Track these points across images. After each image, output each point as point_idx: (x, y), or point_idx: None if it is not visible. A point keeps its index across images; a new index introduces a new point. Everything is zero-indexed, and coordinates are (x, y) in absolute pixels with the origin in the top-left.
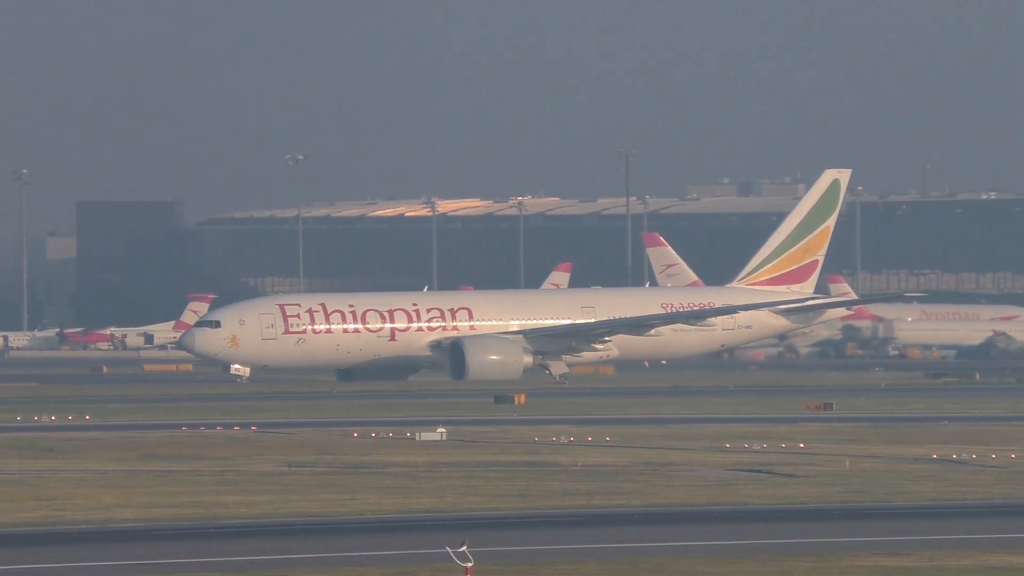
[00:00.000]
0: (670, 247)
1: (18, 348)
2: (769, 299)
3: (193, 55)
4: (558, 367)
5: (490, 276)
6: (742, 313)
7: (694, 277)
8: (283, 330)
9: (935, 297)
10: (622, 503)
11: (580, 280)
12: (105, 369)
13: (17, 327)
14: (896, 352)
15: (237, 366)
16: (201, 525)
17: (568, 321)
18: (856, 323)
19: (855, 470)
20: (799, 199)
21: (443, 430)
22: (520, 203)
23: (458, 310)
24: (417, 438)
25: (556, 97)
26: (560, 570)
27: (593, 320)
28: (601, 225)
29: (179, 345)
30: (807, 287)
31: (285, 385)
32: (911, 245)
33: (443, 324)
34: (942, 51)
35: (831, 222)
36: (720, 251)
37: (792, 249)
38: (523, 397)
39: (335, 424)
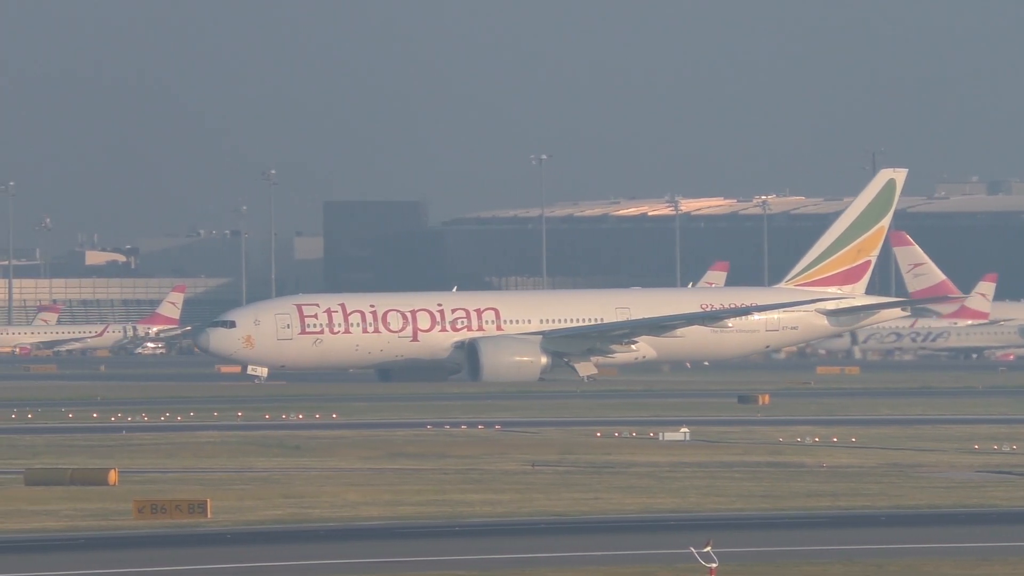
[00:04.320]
0: (917, 246)
1: None
2: (815, 300)
3: (439, 56)
4: (585, 368)
5: (733, 275)
6: (788, 314)
7: (942, 276)
8: (299, 330)
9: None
10: (868, 504)
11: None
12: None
13: None
14: None
15: (254, 367)
16: (446, 524)
17: (598, 322)
18: None
19: None
20: None
21: (686, 430)
22: (764, 202)
23: (484, 310)
24: (660, 438)
25: (801, 95)
26: (805, 571)
27: (626, 320)
28: None
29: (195, 344)
30: (858, 288)
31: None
32: None
33: (468, 325)
34: None
35: (885, 222)
36: (969, 250)
37: (844, 249)
38: (767, 397)
39: (578, 423)
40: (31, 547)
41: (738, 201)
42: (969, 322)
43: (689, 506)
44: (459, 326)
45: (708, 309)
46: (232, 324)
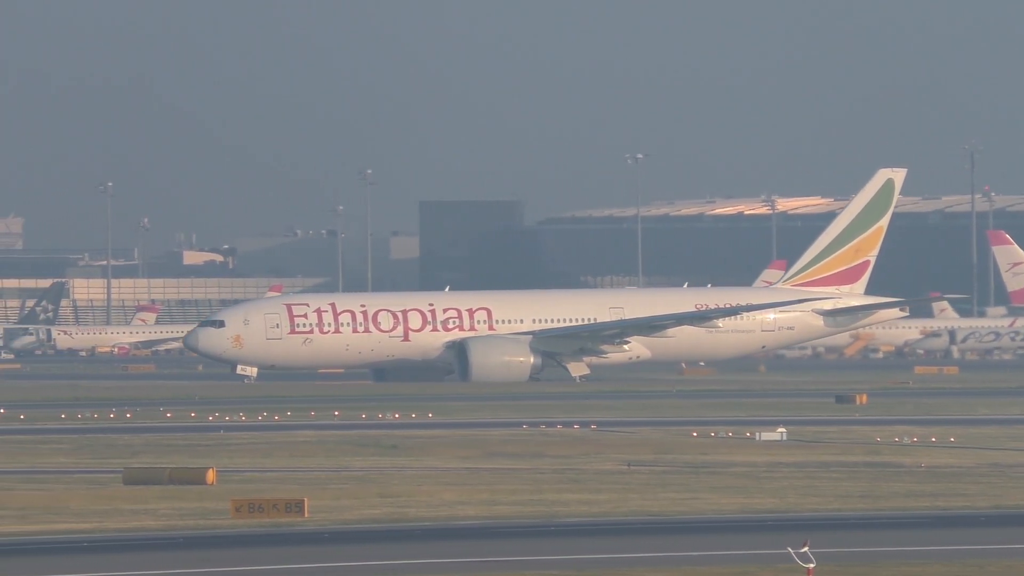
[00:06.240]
0: (1016, 245)
1: None
2: (807, 300)
3: (536, 55)
4: (577, 368)
5: None
6: (784, 314)
7: None
8: (289, 330)
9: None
10: (967, 504)
11: (915, 280)
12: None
13: None
14: None
15: (243, 366)
16: (542, 523)
17: (591, 321)
18: None
19: None
20: None
21: (783, 430)
22: None
23: (477, 310)
24: (757, 438)
25: (898, 93)
26: (903, 572)
27: (617, 320)
28: (945, 223)
29: (184, 344)
30: (857, 288)
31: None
32: None
33: (459, 325)
34: None
35: (884, 222)
36: None
37: (842, 249)
38: (865, 397)
39: (674, 423)
40: (130, 546)
41: (835, 200)
42: None
43: (787, 506)
44: (451, 326)
45: (702, 309)
46: (221, 324)
